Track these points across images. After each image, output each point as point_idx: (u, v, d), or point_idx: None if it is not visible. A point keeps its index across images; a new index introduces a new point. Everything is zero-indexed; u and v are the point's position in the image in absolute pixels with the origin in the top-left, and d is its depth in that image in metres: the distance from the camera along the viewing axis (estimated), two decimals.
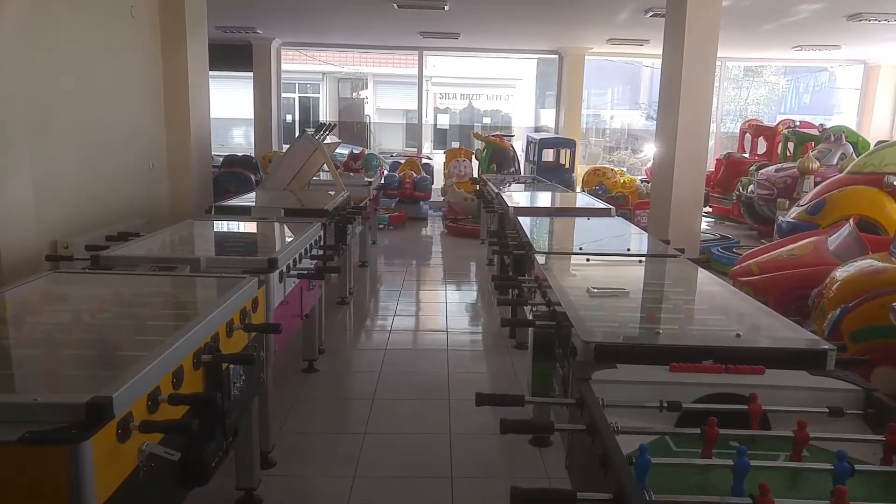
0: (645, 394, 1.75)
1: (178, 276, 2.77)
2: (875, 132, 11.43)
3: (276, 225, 4.05)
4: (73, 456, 1.37)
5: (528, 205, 5.96)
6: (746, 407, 1.67)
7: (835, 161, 8.68)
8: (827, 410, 1.71)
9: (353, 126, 16.37)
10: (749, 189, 9.24)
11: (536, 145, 10.65)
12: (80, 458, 1.37)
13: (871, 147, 8.36)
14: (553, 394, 2.41)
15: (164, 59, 5.13)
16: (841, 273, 3.95)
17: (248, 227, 4.20)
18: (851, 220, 5.29)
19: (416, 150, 12.75)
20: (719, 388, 1.78)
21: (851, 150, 9.00)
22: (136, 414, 1.57)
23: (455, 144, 12.92)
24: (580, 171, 11.36)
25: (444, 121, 18.27)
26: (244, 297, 2.43)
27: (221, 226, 4.21)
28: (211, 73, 5.79)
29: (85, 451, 1.38)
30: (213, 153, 6.32)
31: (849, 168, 7.22)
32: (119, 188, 4.50)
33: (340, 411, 3.95)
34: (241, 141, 14.97)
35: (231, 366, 2.19)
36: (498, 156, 10.83)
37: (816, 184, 7.42)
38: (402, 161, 11.51)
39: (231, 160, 9.95)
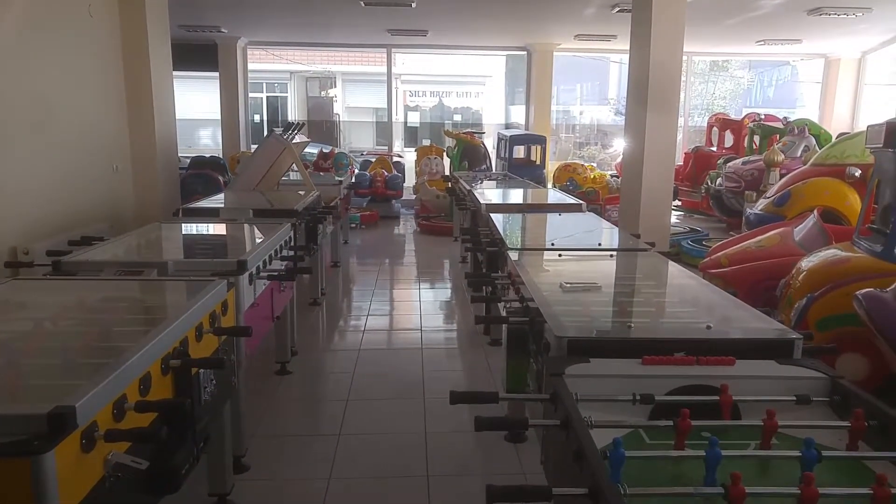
0: (618, 387, 1.76)
1: (145, 280, 2.72)
2: (836, 124, 11.69)
3: (246, 226, 4.00)
4: (35, 468, 1.33)
5: (501, 201, 5.96)
6: (717, 398, 1.69)
7: (799, 153, 8.87)
8: (795, 399, 1.74)
9: (322, 125, 16.25)
10: (717, 182, 9.38)
11: (507, 142, 10.68)
12: (43, 470, 1.34)
13: (833, 139, 8.57)
14: (527, 390, 2.41)
15: (125, 58, 5.02)
16: (806, 263, 4.03)
17: (217, 228, 4.13)
18: (816, 212, 5.40)
19: (386, 148, 12.69)
20: (691, 379, 1.79)
21: (814, 142, 9.20)
22: (101, 423, 1.53)
23: (426, 142, 12.88)
24: (551, 167, 11.44)
25: (414, 118, 18.26)
26: (213, 300, 2.39)
27: (189, 228, 4.13)
28: (176, 73, 5.69)
29: (47, 462, 1.34)
30: (179, 155, 6.22)
31: (812, 160, 7.38)
32: (81, 191, 4.40)
33: (314, 413, 3.92)
34: (208, 142, 14.74)
35: (201, 370, 2.15)
36: (469, 153, 10.85)
37: (782, 176, 7.57)
38: (373, 159, 11.46)
39: (198, 161, 9.82)
